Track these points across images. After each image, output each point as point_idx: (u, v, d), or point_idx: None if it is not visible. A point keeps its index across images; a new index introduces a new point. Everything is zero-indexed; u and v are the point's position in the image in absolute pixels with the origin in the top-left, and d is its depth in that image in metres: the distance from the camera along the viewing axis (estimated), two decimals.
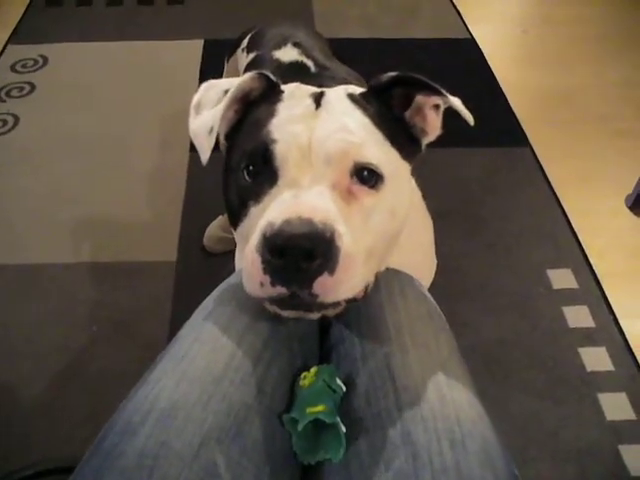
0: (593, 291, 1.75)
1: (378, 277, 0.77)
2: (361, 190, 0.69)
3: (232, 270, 0.90)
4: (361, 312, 0.79)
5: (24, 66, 2.57)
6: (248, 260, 0.64)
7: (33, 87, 2.46)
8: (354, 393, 0.70)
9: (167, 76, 2.53)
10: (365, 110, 0.74)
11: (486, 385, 1.49)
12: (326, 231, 0.61)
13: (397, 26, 2.91)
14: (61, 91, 2.45)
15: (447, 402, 0.65)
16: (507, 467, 0.61)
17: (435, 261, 1.12)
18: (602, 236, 1.93)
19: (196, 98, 0.79)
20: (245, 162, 0.71)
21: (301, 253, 0.60)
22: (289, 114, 0.72)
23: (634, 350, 1.60)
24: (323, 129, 0.70)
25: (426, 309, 0.81)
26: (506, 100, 2.44)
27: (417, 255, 1.00)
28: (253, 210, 0.69)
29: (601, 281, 1.77)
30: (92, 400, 1.45)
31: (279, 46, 1.33)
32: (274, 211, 0.64)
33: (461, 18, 2.97)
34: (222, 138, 0.81)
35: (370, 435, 0.64)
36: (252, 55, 1.39)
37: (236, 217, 0.73)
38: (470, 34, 2.85)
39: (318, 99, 0.74)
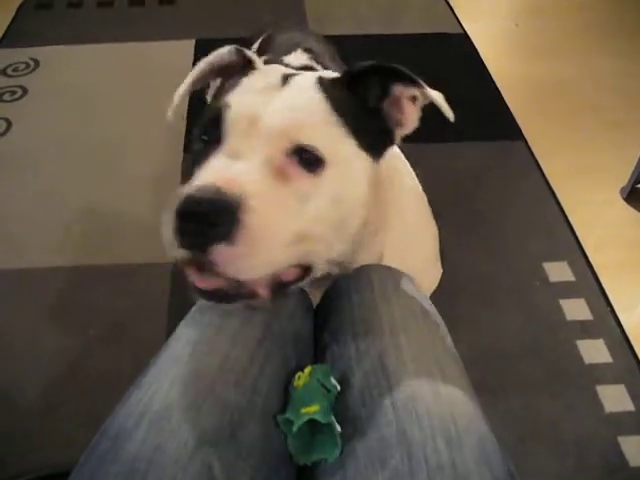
0: (590, 283, 1.75)
1: (349, 271, 0.79)
2: (298, 172, 0.69)
3: None
4: (355, 310, 0.79)
5: (15, 70, 2.56)
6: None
7: (25, 91, 2.45)
8: (349, 392, 0.70)
9: (159, 77, 2.49)
10: (328, 94, 0.74)
11: (484, 379, 1.49)
12: (231, 201, 0.62)
13: (388, 22, 2.90)
14: (53, 94, 2.44)
15: (442, 399, 0.65)
16: (503, 463, 0.61)
17: (440, 270, 1.10)
18: (598, 228, 1.93)
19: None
20: (201, 128, 0.74)
21: (200, 218, 0.62)
22: (250, 86, 0.74)
23: (632, 341, 1.59)
24: (276, 105, 0.71)
25: (420, 306, 0.81)
26: (499, 94, 2.43)
27: (417, 261, 0.98)
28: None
29: (598, 273, 1.77)
30: (90, 404, 1.43)
31: (289, 51, 1.35)
32: (199, 177, 0.67)
33: (453, 13, 2.97)
34: None
35: (365, 434, 0.64)
36: (263, 59, 1.40)
37: None
38: (462, 28, 2.84)
39: (287, 78, 0.75)
